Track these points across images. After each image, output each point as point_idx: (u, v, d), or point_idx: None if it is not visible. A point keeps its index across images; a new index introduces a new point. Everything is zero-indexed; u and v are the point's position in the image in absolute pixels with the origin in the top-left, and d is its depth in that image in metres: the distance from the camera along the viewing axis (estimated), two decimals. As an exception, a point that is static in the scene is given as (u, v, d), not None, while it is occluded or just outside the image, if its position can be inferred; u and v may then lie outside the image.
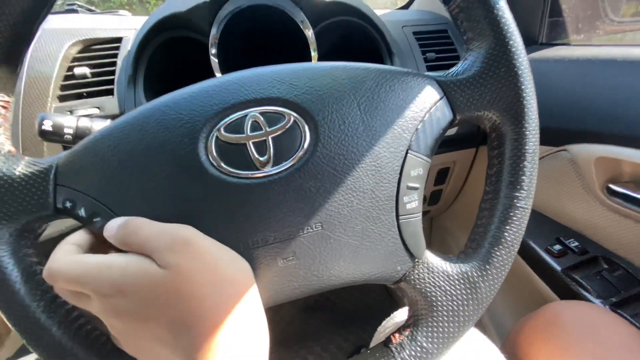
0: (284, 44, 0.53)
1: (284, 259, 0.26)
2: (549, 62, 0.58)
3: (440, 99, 0.28)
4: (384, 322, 0.40)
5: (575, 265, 0.52)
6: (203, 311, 0.22)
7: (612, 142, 0.48)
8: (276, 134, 0.26)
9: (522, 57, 0.28)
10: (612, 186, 0.49)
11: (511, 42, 0.28)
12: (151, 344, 0.23)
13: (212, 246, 0.24)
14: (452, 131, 0.51)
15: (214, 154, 0.25)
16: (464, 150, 0.67)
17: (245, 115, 0.26)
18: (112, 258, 0.23)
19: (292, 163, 0.26)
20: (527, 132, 0.28)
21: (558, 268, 0.52)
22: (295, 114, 0.26)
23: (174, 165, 0.25)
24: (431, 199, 0.72)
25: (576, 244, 0.54)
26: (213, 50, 0.47)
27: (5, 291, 0.24)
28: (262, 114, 0.26)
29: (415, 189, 0.28)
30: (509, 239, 0.29)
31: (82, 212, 0.25)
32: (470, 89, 0.28)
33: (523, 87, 0.28)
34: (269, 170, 0.25)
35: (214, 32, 0.47)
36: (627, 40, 0.70)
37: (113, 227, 0.24)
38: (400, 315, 0.39)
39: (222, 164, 0.25)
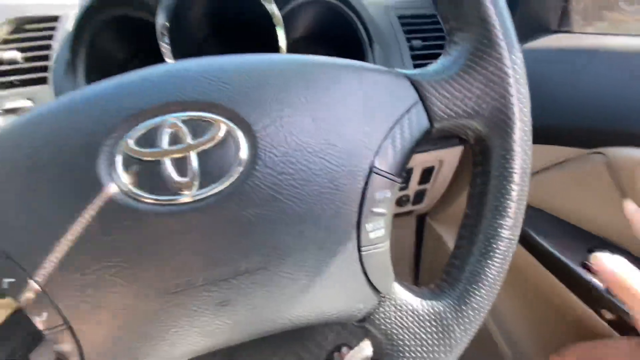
0: (248, 23, 0.46)
1: (218, 303, 0.21)
2: (578, 52, 0.50)
3: (414, 104, 0.23)
4: (351, 353, 0.36)
5: None
6: None
7: None
8: (202, 147, 0.20)
9: (515, 53, 0.23)
10: None
11: (502, 33, 0.22)
12: None
13: None
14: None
15: (120, 174, 0.19)
16: (452, 148, 0.62)
17: (162, 124, 0.20)
18: None
19: (223, 186, 0.20)
20: (517, 147, 0.23)
21: (601, 286, 0.47)
22: (227, 122, 0.20)
23: (65, 188, 0.19)
24: (415, 199, 0.68)
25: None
26: (161, 33, 0.41)
27: None
28: (184, 121, 0.20)
29: (382, 214, 0.23)
30: (490, 275, 0.24)
31: None
32: (451, 92, 0.23)
33: (513, 90, 0.23)
34: (193, 194, 0.20)
35: (163, 10, 0.40)
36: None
37: None
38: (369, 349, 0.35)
39: (131, 187, 0.19)
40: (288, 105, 0.21)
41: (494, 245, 0.24)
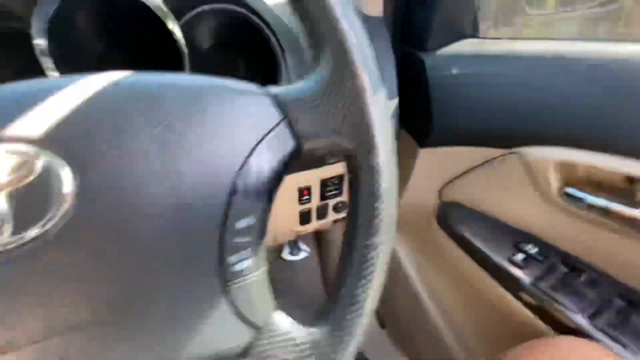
0: (148, 33, 0.43)
1: None
2: (491, 58, 0.53)
3: (278, 124, 0.22)
4: None
5: (541, 275, 0.50)
6: None
7: (567, 145, 0.45)
8: (14, 186, 0.17)
9: (371, 71, 0.22)
10: (569, 190, 0.47)
11: (357, 53, 0.22)
12: None
13: None
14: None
15: None
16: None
17: None
18: None
19: (42, 230, 0.17)
20: (381, 163, 0.22)
21: (527, 280, 0.51)
22: (46, 155, 0.18)
23: None
24: (318, 215, 0.66)
25: (536, 249, 0.53)
26: (40, 51, 0.37)
27: None
28: None
29: (246, 244, 0.21)
30: (360, 297, 0.23)
31: None
32: (315, 110, 0.22)
33: (371, 109, 0.22)
34: (3, 242, 0.17)
35: (38, 29, 0.36)
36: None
37: None
38: None
39: None
40: (124, 130, 0.19)
41: (364, 266, 0.23)
